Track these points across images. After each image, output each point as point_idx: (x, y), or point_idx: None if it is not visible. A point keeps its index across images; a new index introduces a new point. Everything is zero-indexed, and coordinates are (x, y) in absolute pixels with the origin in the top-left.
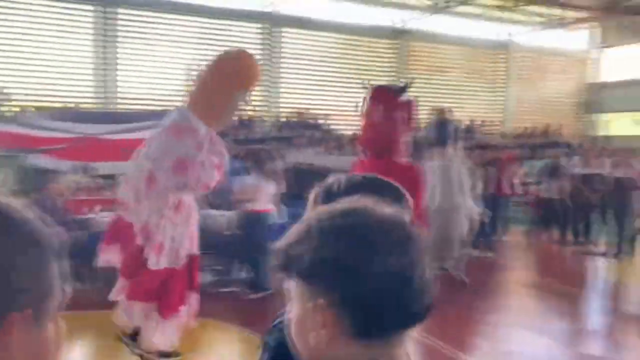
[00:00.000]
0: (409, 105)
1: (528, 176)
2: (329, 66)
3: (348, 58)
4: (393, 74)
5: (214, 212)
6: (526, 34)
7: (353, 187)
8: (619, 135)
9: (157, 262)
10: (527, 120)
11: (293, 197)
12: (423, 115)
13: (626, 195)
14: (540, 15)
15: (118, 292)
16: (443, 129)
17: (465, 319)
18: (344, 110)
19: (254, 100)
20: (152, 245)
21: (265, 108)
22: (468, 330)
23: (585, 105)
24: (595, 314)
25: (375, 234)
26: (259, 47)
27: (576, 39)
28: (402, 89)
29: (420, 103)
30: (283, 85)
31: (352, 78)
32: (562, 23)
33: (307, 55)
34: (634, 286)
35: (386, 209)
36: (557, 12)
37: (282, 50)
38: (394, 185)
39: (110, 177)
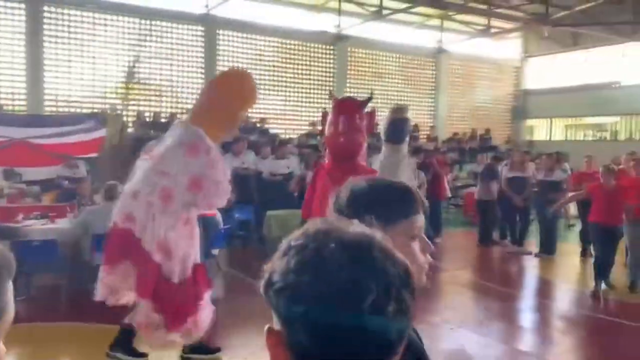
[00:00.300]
0: (371, 115)
1: (458, 180)
2: (268, 70)
3: (287, 62)
4: (332, 78)
5: None
6: (457, 42)
7: (360, 196)
8: (547, 140)
9: (177, 276)
10: (457, 126)
11: (233, 203)
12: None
13: (550, 197)
14: (469, 24)
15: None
16: (400, 127)
17: None
18: (284, 114)
19: (191, 103)
20: (174, 261)
21: None
22: None
23: (512, 112)
24: (525, 311)
25: (331, 260)
26: (198, 49)
27: (504, 48)
28: (366, 101)
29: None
30: None
31: (292, 82)
32: (489, 33)
33: (246, 58)
34: (558, 283)
35: (354, 231)
36: (485, 22)
37: (221, 52)
38: (401, 186)
39: (36, 183)
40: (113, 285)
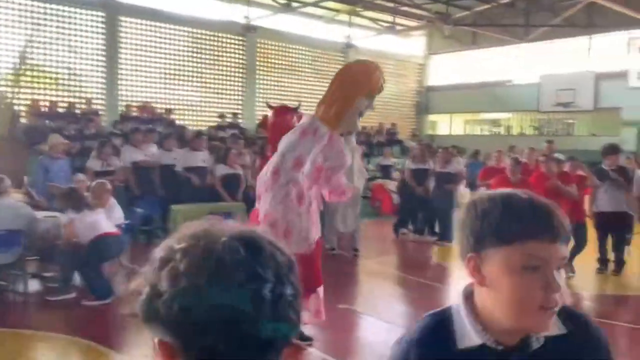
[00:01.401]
0: (300, 118)
1: (368, 172)
2: (175, 59)
3: (195, 52)
4: (241, 70)
5: (46, 214)
6: (365, 38)
7: None
8: (448, 134)
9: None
10: (365, 120)
11: (134, 198)
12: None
13: (446, 188)
14: (376, 21)
15: None
16: None
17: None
18: (191, 104)
19: (91, 92)
20: (276, 233)
21: (104, 101)
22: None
23: (416, 107)
24: (426, 296)
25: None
26: (99, 35)
27: (409, 45)
28: (297, 108)
29: (267, 99)
30: (124, 76)
31: (200, 72)
32: (395, 30)
33: (151, 47)
34: (455, 268)
35: (236, 227)
36: (391, 19)
37: (123, 40)
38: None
39: None
40: None
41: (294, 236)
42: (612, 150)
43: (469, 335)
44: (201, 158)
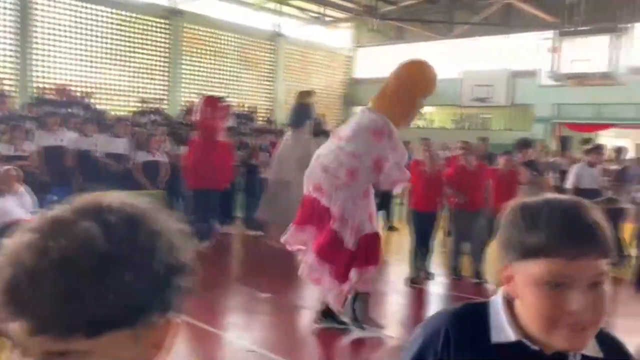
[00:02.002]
0: (227, 107)
1: None
2: (94, 41)
3: (117, 34)
4: (166, 54)
5: None
6: (294, 28)
7: None
8: None
9: (350, 242)
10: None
11: (47, 184)
12: (196, 99)
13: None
14: (305, 11)
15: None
16: (300, 111)
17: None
18: (112, 88)
19: (1, 72)
20: (347, 229)
21: (15, 82)
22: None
23: (343, 99)
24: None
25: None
26: (10, 11)
27: (337, 37)
28: (223, 98)
29: (193, 86)
30: (38, 57)
31: (122, 55)
32: (324, 21)
33: (67, 27)
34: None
35: (122, 201)
36: (320, 10)
37: (38, 20)
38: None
39: None
40: (299, 241)
41: (355, 230)
42: (525, 144)
43: (505, 331)
44: (122, 144)
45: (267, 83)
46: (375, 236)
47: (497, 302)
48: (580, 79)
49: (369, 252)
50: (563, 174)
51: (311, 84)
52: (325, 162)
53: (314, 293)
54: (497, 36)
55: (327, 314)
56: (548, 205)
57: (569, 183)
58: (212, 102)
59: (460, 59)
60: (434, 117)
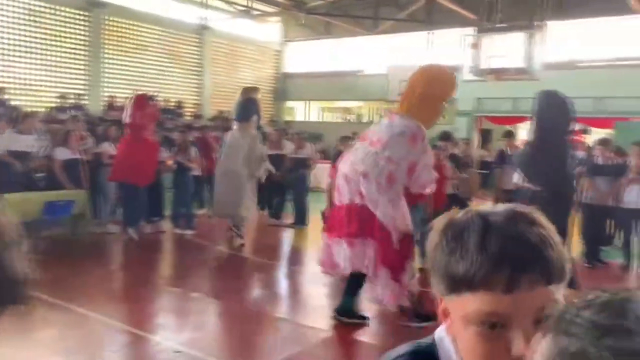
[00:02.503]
0: (157, 106)
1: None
2: (9, 33)
3: (32, 26)
4: (85, 47)
5: None
6: (221, 21)
7: None
8: (305, 121)
9: (396, 243)
10: (223, 104)
11: None
12: (123, 94)
13: (302, 173)
14: (232, 4)
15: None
16: (246, 106)
17: (154, 296)
18: (28, 83)
19: None
20: (393, 231)
21: None
22: (160, 307)
23: (274, 93)
24: (280, 278)
25: None
26: None
27: (266, 31)
28: (152, 97)
29: (116, 81)
30: None
31: (38, 48)
32: (251, 15)
33: None
34: (310, 251)
35: None
36: (247, 3)
37: None
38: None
39: None
40: (354, 258)
41: (404, 231)
42: (446, 137)
43: None
44: (29, 142)
45: (194, 77)
46: (411, 235)
47: (445, 341)
48: (498, 74)
49: (409, 250)
50: (484, 165)
51: (240, 78)
52: (364, 169)
53: (242, 292)
54: (422, 32)
55: (419, 315)
56: (476, 222)
57: (516, 178)
58: (142, 102)
59: (387, 55)
60: (362, 112)
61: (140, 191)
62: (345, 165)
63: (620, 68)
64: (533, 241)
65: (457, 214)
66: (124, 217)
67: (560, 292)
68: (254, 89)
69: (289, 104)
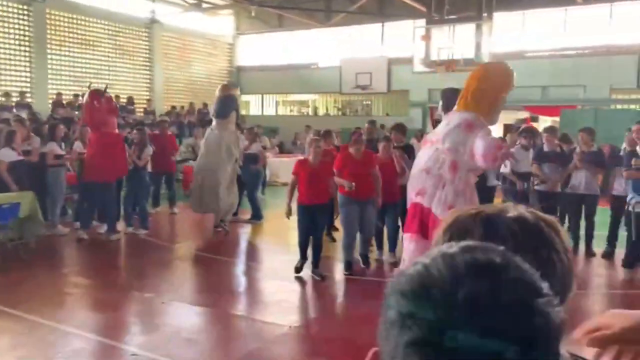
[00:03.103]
0: (110, 99)
1: (180, 154)
2: None
3: None
4: (28, 42)
5: None
6: (171, 15)
7: None
8: (260, 115)
9: None
10: (175, 99)
11: None
12: (71, 91)
13: (254, 169)
14: None
15: None
16: (225, 103)
17: (119, 297)
18: None
19: None
20: None
21: None
22: (118, 306)
23: None
24: (237, 275)
25: None
26: None
27: (218, 24)
28: (105, 90)
29: (63, 78)
30: None
31: None
32: (202, 8)
33: None
34: (266, 246)
35: None
36: None
37: None
38: None
39: None
40: (416, 253)
41: None
42: (399, 129)
43: None
44: None
45: (145, 73)
46: None
47: None
48: (448, 65)
49: None
50: None
51: (192, 72)
52: (425, 166)
53: (198, 291)
54: (374, 24)
55: None
56: (478, 225)
57: (507, 167)
58: (96, 98)
59: (340, 47)
60: (317, 105)
61: (109, 189)
62: (413, 168)
63: (566, 58)
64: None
65: (463, 212)
66: (80, 217)
67: None
68: (233, 86)
69: (243, 97)
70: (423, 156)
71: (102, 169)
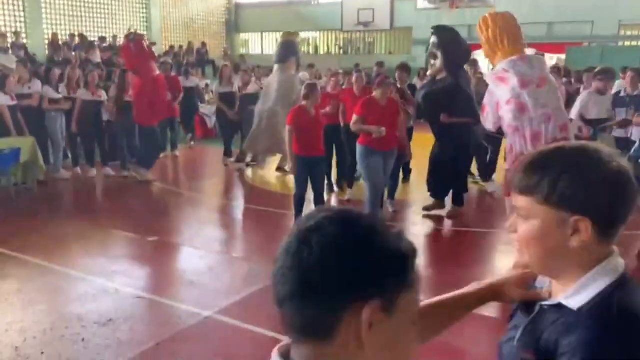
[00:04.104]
0: (140, 42)
1: None
2: None
3: None
4: None
5: None
6: None
7: None
8: (260, 54)
9: None
10: (173, 39)
11: None
12: (67, 31)
13: (252, 110)
14: None
15: None
16: (285, 48)
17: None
18: None
19: None
20: None
21: None
22: (132, 254)
23: (227, 25)
24: (235, 219)
25: None
26: None
27: None
28: (132, 35)
29: (59, 17)
30: None
31: None
32: None
33: None
34: (265, 190)
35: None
36: None
37: None
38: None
39: None
40: None
41: None
42: (404, 69)
43: None
44: None
45: (142, 11)
46: None
47: None
48: (453, 1)
49: None
50: None
51: (190, 10)
52: (562, 103)
53: (198, 234)
54: None
55: None
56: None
57: (573, 113)
58: (127, 46)
59: None
60: (318, 43)
61: (156, 130)
62: (550, 105)
63: None
64: None
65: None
66: (139, 159)
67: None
68: (294, 33)
69: (243, 36)
70: (554, 94)
71: (147, 113)
